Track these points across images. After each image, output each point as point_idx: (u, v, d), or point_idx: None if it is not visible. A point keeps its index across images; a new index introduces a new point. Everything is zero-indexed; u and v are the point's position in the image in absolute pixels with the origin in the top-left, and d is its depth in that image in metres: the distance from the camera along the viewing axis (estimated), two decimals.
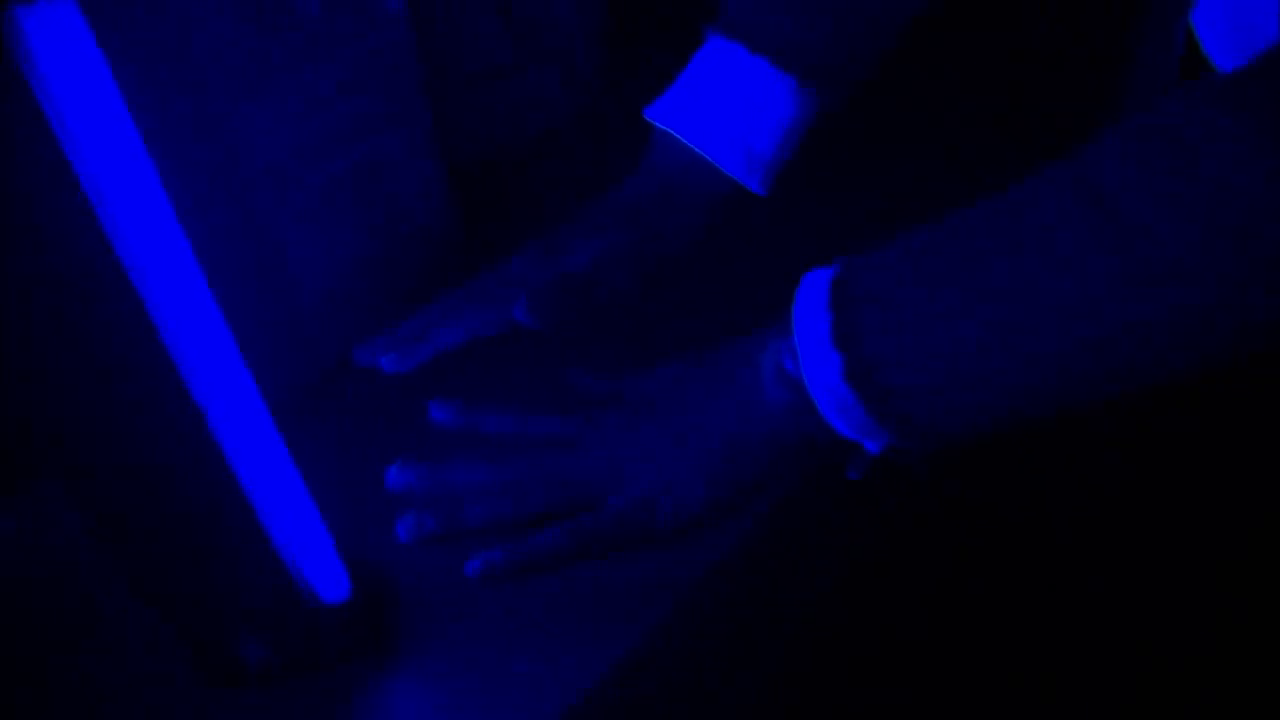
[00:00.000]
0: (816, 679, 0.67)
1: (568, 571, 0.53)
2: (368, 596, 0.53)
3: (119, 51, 0.39)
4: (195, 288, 0.45)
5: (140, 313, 0.41)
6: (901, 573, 0.67)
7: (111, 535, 0.46)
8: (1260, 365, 0.43)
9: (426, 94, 0.62)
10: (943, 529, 0.50)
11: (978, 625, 0.70)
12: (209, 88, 0.53)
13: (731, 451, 0.53)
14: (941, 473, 0.52)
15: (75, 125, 0.38)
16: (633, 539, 0.53)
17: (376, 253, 0.64)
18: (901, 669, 0.69)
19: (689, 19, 0.64)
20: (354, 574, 0.53)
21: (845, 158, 0.67)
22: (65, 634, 0.54)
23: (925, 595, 0.69)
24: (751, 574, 0.57)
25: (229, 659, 0.51)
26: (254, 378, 0.48)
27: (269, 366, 0.61)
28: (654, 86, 0.79)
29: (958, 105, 0.74)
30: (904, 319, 0.44)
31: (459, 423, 0.58)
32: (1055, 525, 0.67)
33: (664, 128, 0.63)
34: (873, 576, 0.65)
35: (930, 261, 0.45)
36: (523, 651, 0.51)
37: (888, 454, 0.49)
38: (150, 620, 0.49)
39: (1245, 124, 0.38)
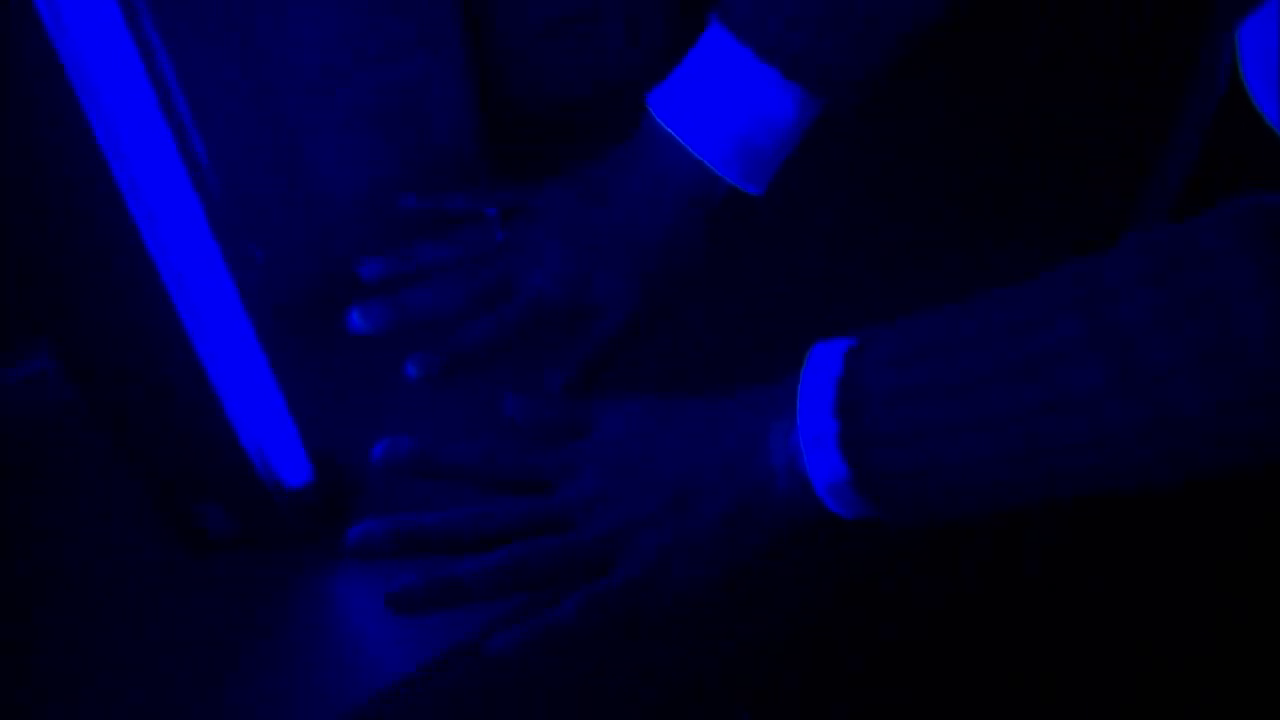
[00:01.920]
0: (816, 679, 0.67)
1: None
2: (329, 482, 0.55)
3: None
4: (169, 166, 0.47)
5: (111, 187, 0.43)
6: (900, 573, 0.66)
7: (93, 396, 0.49)
8: None
9: (468, 30, 0.64)
10: (941, 529, 0.49)
11: (977, 625, 0.68)
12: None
13: (732, 532, 0.51)
14: None
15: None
16: (637, 619, 0.51)
17: (401, 173, 0.66)
18: (901, 669, 0.68)
19: None
20: (317, 460, 0.55)
21: (844, 156, 0.66)
22: (49, 485, 0.57)
23: (924, 596, 0.68)
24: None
25: (195, 528, 0.54)
26: (267, 278, 0.50)
27: (285, 270, 0.64)
28: None
29: (959, 106, 0.73)
30: (909, 431, 0.45)
31: (414, 465, 0.54)
32: (1055, 525, 0.65)
33: (661, 121, 0.62)
34: (871, 577, 0.64)
35: (939, 371, 0.45)
36: None
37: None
38: (129, 483, 0.52)
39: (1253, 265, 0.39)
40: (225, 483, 0.53)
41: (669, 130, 0.61)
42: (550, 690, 0.58)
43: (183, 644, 0.52)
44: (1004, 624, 0.67)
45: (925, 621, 0.67)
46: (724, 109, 0.60)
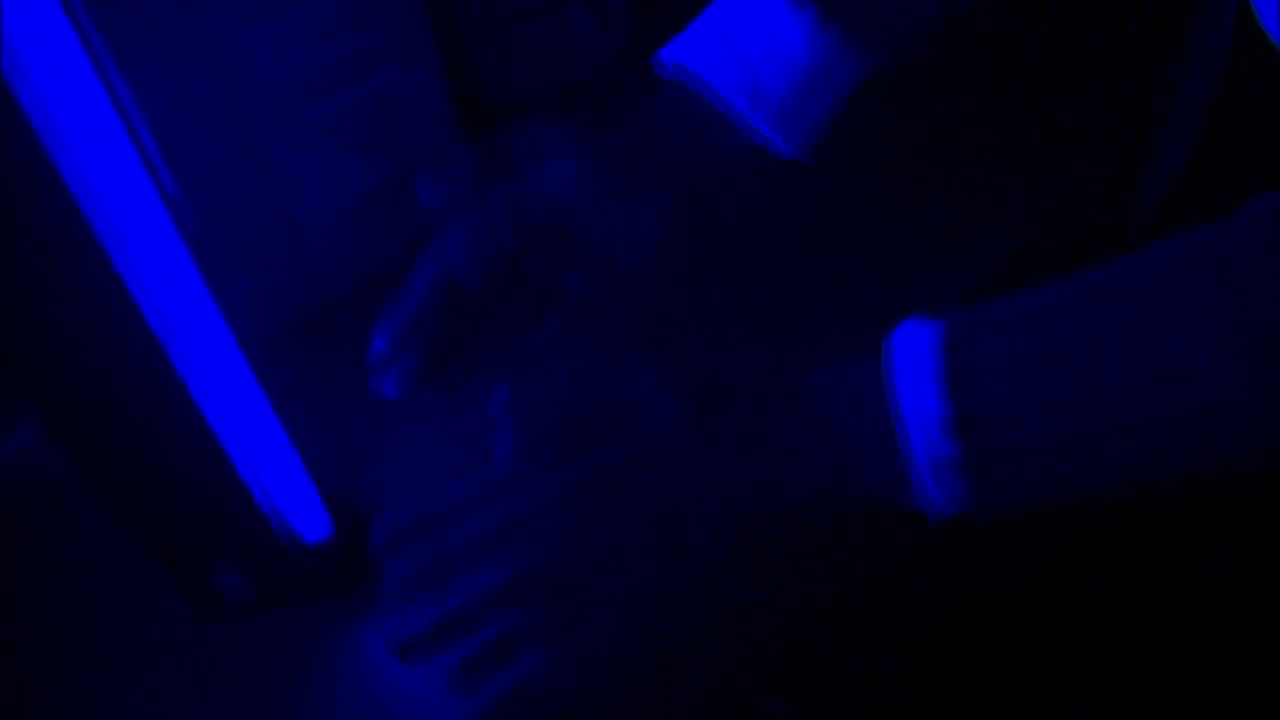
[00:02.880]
0: (815, 682, 0.67)
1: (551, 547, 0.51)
2: (348, 535, 0.53)
3: None
4: (158, 224, 0.44)
5: (97, 250, 0.40)
6: (899, 575, 0.66)
7: (89, 463, 0.46)
8: None
9: (436, 30, 0.61)
10: (939, 531, 0.49)
11: (977, 626, 0.69)
12: (209, 15, 0.52)
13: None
14: None
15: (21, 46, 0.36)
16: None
17: (382, 189, 0.63)
18: (900, 670, 0.68)
19: None
20: (335, 512, 0.53)
21: (840, 155, 0.64)
22: (54, 562, 0.54)
23: (923, 597, 0.68)
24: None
25: (210, 594, 0.51)
26: (254, 309, 0.47)
27: (272, 299, 0.61)
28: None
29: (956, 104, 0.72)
30: (1022, 403, 0.43)
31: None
32: (1054, 525, 0.65)
33: (673, 75, 0.59)
34: (873, 578, 0.64)
35: (1049, 339, 0.44)
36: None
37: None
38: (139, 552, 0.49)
39: None
40: (241, 546, 0.50)
41: (692, 69, 0.57)
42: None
43: (205, 717, 0.50)
44: (1004, 623, 0.68)
45: (924, 622, 0.68)
46: (750, 49, 0.57)
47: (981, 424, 0.43)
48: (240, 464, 0.47)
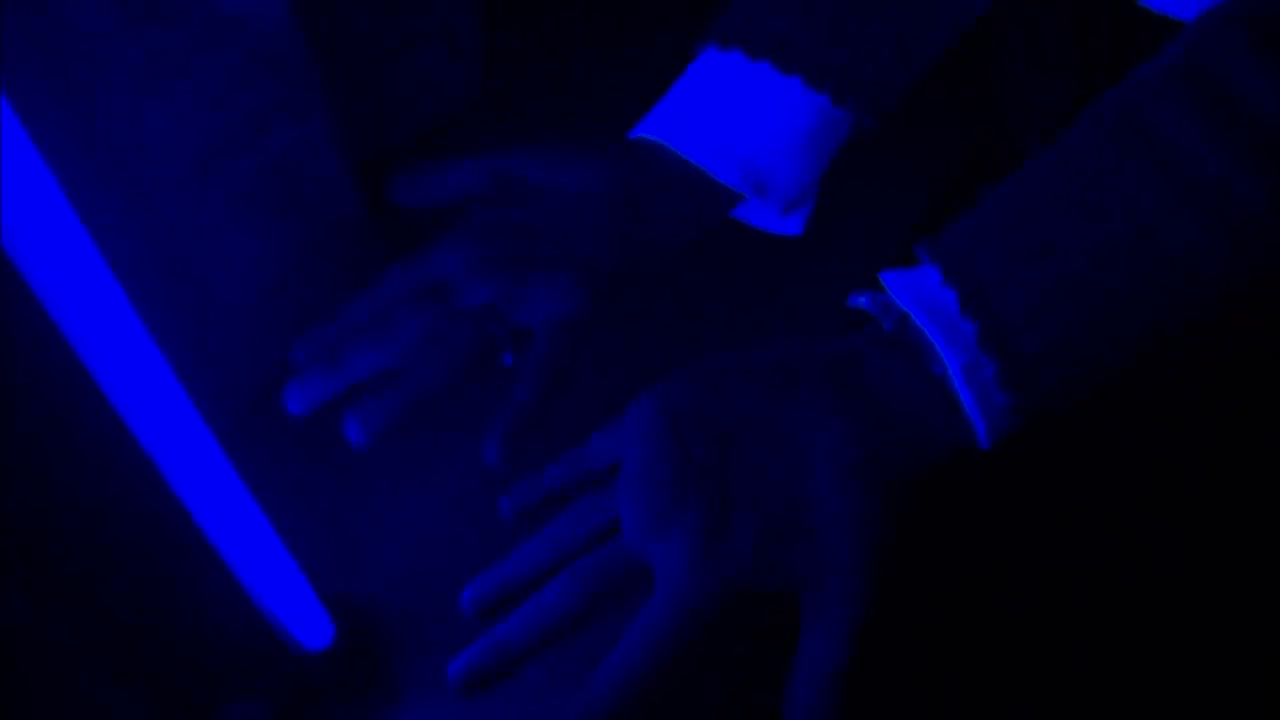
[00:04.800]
0: None
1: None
2: (354, 636, 0.48)
3: None
4: (129, 329, 0.39)
5: (71, 358, 0.36)
6: (899, 576, 0.65)
7: (74, 614, 0.40)
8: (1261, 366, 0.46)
9: (325, 84, 0.57)
10: (939, 533, 0.48)
11: (975, 626, 0.69)
12: (95, 89, 0.47)
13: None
14: (938, 483, 0.49)
15: None
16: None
17: (290, 259, 0.58)
18: (899, 670, 0.67)
19: None
20: (336, 614, 0.48)
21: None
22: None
23: (923, 596, 0.67)
24: None
25: None
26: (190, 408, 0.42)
27: (203, 390, 0.55)
28: (541, 57, 0.75)
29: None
30: (1038, 299, 0.44)
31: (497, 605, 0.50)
32: (1054, 525, 0.66)
33: (653, 139, 0.57)
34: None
35: (1039, 232, 0.45)
36: (521, 684, 0.47)
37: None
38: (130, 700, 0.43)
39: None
40: (250, 673, 0.45)
41: (678, 151, 0.56)
42: None
43: None
44: (1002, 625, 0.67)
45: (923, 622, 0.67)
46: (742, 126, 0.56)
47: (1010, 335, 0.44)
48: (242, 577, 0.42)
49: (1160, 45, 0.46)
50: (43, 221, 0.38)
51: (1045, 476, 0.62)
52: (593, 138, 0.58)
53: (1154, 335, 0.45)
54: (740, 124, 0.55)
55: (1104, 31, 0.65)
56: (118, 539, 0.40)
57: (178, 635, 0.43)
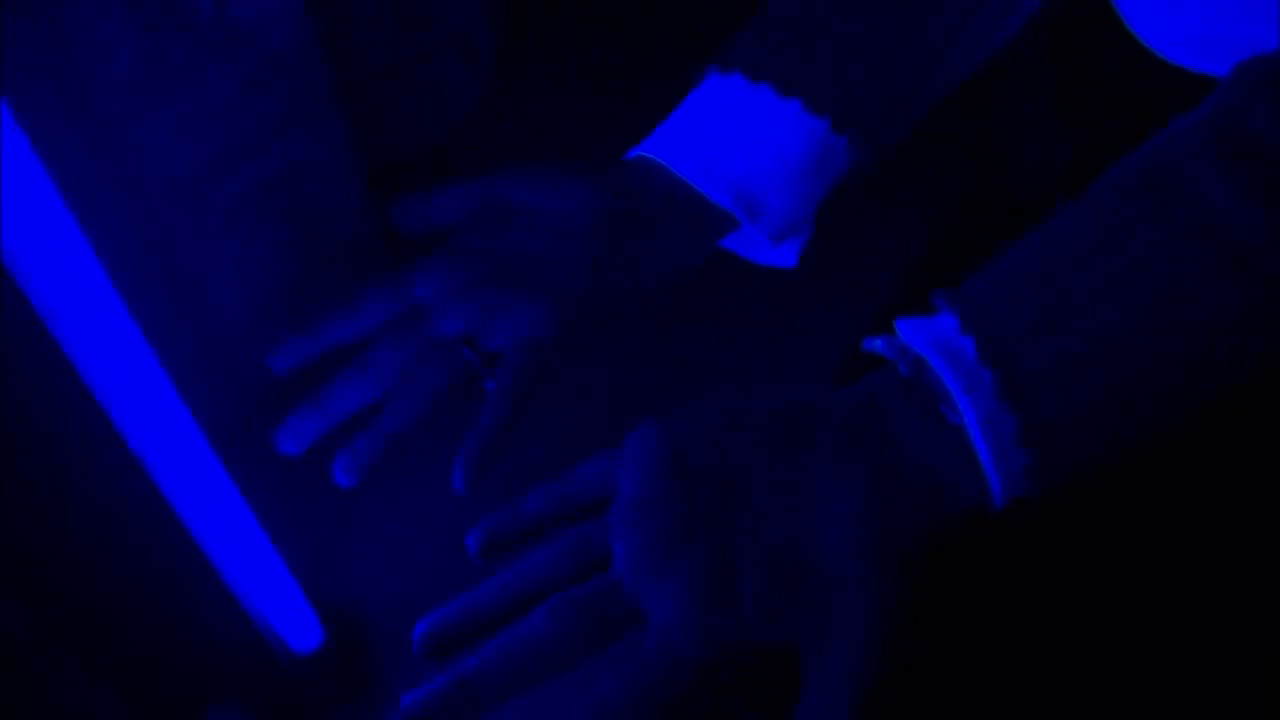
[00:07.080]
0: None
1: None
2: (342, 640, 0.49)
3: None
4: (124, 334, 0.40)
5: (67, 367, 0.36)
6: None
7: (57, 617, 0.41)
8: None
9: (338, 94, 0.58)
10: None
11: (976, 626, 0.68)
12: (99, 97, 0.48)
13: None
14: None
15: None
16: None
17: (298, 268, 0.59)
18: (900, 671, 0.67)
19: None
20: (324, 616, 0.49)
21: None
22: None
23: (922, 598, 0.67)
24: None
25: None
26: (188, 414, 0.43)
27: (196, 396, 0.56)
28: (556, 66, 0.75)
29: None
30: (1058, 359, 0.43)
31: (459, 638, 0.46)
32: (1054, 525, 0.65)
33: (648, 157, 0.57)
34: None
35: (1061, 294, 0.43)
36: None
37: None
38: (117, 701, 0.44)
39: None
40: (237, 675, 0.46)
41: (677, 174, 0.55)
42: None
43: None
44: (1003, 624, 0.66)
45: (923, 624, 0.66)
46: (740, 149, 0.55)
47: (1029, 390, 0.42)
48: (231, 579, 0.43)
49: (1167, 92, 0.45)
50: (41, 226, 0.38)
51: None
52: (595, 156, 0.58)
53: (1185, 402, 0.44)
54: (735, 143, 0.55)
55: (1104, 79, 0.65)
56: (108, 541, 0.41)
57: (166, 636, 0.44)
